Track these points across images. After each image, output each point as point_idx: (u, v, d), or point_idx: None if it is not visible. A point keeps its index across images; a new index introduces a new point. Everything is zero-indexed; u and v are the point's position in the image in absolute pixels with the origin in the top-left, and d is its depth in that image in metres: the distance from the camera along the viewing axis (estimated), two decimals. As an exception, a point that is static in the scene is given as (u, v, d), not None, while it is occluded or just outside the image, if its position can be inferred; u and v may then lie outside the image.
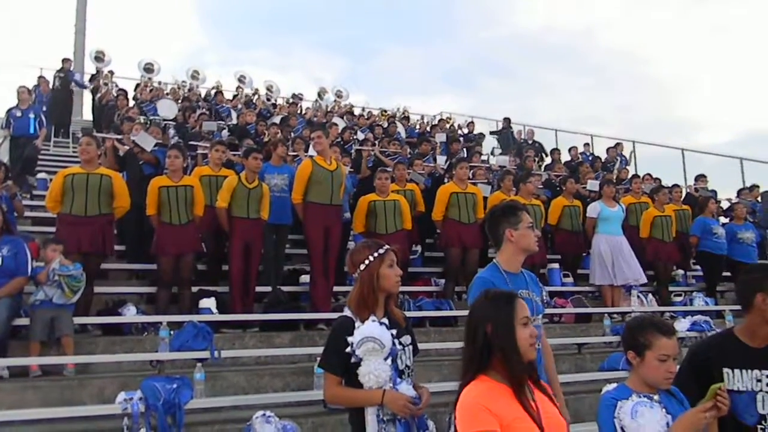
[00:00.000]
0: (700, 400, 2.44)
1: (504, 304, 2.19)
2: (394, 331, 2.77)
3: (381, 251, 2.86)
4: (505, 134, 17.19)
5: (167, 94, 14.77)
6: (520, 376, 2.11)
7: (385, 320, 2.79)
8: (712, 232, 8.99)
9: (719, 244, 8.97)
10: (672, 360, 2.46)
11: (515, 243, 3.10)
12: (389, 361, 2.72)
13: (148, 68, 15.45)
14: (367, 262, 2.85)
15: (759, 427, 2.60)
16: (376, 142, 12.04)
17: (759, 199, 11.38)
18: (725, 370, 2.68)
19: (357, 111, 18.12)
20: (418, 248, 8.87)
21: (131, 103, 12.74)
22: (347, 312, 2.86)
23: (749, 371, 2.66)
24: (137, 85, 15.03)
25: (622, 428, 2.39)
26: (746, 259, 8.76)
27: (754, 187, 12.17)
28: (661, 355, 2.46)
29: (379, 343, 2.68)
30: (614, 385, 2.61)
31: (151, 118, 11.25)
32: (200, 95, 15.76)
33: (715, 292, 9.09)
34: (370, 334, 2.70)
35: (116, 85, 14.55)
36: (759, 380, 2.64)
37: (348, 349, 2.72)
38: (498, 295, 2.26)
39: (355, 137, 12.44)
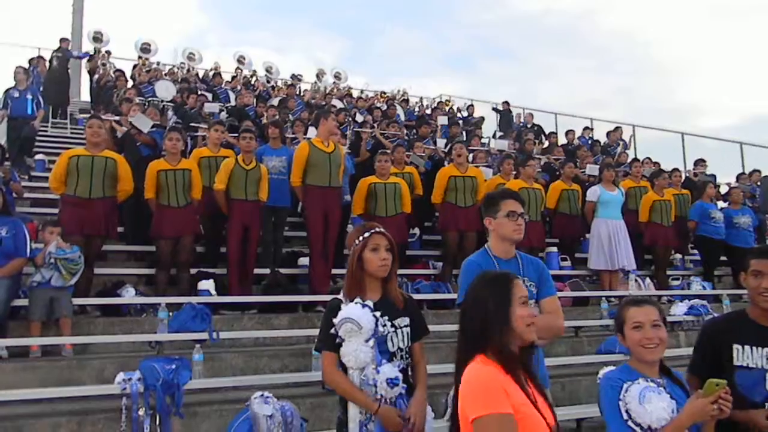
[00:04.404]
0: (710, 377, 2.41)
1: (502, 283, 2.17)
2: (379, 314, 2.80)
3: (366, 235, 2.89)
4: (505, 118, 17.13)
5: (165, 75, 14.69)
6: (512, 357, 2.07)
7: (369, 303, 2.82)
8: (710, 217, 9.00)
9: (717, 228, 8.99)
10: (650, 327, 2.46)
11: (495, 231, 3.15)
12: (371, 342, 2.75)
13: (145, 48, 15.32)
14: (354, 245, 2.91)
15: (767, 405, 2.61)
16: (375, 124, 12.00)
17: (759, 183, 11.38)
18: (735, 345, 2.71)
19: (355, 93, 18.04)
20: (416, 231, 8.87)
21: (130, 83, 12.68)
22: (341, 294, 2.91)
23: (760, 349, 2.68)
24: (134, 66, 14.95)
25: (627, 411, 2.38)
26: (742, 244, 8.78)
27: (754, 171, 12.18)
28: (633, 323, 2.49)
29: (356, 324, 2.73)
30: (611, 367, 2.62)
31: (149, 99, 11.20)
32: (198, 76, 15.67)
33: (713, 277, 9.12)
34: (349, 315, 2.76)
35: (113, 66, 14.46)
36: None
37: (332, 330, 2.79)
38: (497, 275, 2.26)
39: (351, 119, 12.39)
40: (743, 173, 12.21)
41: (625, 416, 2.37)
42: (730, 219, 9.19)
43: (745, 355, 2.69)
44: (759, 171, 12.07)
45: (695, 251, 9.81)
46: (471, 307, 2.17)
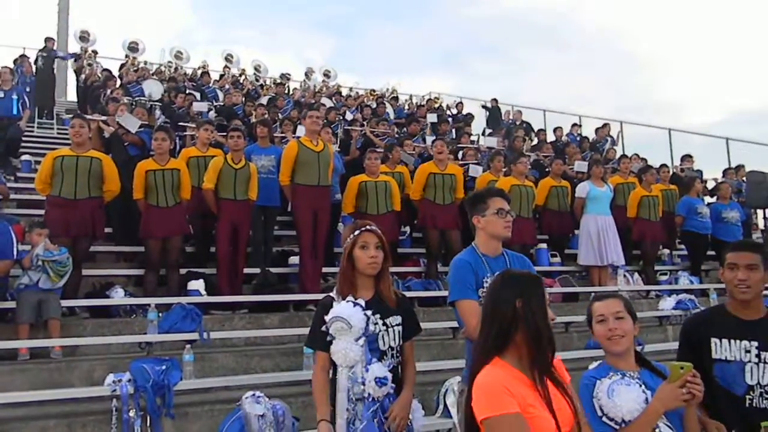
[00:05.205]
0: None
1: (533, 282, 2.17)
2: (370, 312, 2.82)
3: (356, 233, 2.91)
4: (494, 115, 17.15)
5: (153, 74, 14.61)
6: (545, 356, 2.08)
7: (361, 301, 2.83)
8: (696, 212, 9.06)
9: (703, 223, 9.06)
10: (614, 319, 2.50)
11: (483, 229, 3.15)
12: (361, 341, 2.78)
13: (133, 47, 15.22)
14: (346, 243, 2.94)
15: (747, 397, 2.64)
16: (365, 122, 11.99)
17: (744, 178, 11.47)
18: (713, 339, 2.74)
19: (345, 91, 18.01)
20: (407, 229, 8.88)
21: (118, 82, 12.60)
22: (333, 292, 2.93)
23: (738, 342, 2.70)
24: (122, 65, 14.85)
25: (600, 408, 2.39)
26: (730, 239, 8.83)
27: (740, 166, 12.29)
28: (598, 317, 2.55)
29: (346, 323, 2.76)
30: (596, 363, 2.65)
31: (137, 98, 11.13)
32: (186, 75, 15.59)
33: (700, 271, 9.20)
34: (339, 314, 2.79)
35: (100, 65, 14.36)
36: (748, 351, 2.68)
37: (323, 328, 2.82)
38: (524, 274, 2.26)
39: (341, 118, 12.38)
40: (729, 168, 12.31)
41: (599, 412, 2.39)
42: (719, 214, 9.26)
43: (723, 349, 2.71)
44: (743, 166, 12.18)
45: (682, 246, 9.88)
46: (502, 304, 2.12)
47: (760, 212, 11.60)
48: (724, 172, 12.17)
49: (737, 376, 2.65)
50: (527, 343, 2.07)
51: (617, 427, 2.36)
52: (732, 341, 2.71)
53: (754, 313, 2.74)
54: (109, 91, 11.19)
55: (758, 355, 2.66)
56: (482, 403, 2.01)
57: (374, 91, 18.29)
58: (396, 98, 17.66)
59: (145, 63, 15.79)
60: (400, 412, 2.81)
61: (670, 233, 9.52)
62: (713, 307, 3.17)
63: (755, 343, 2.67)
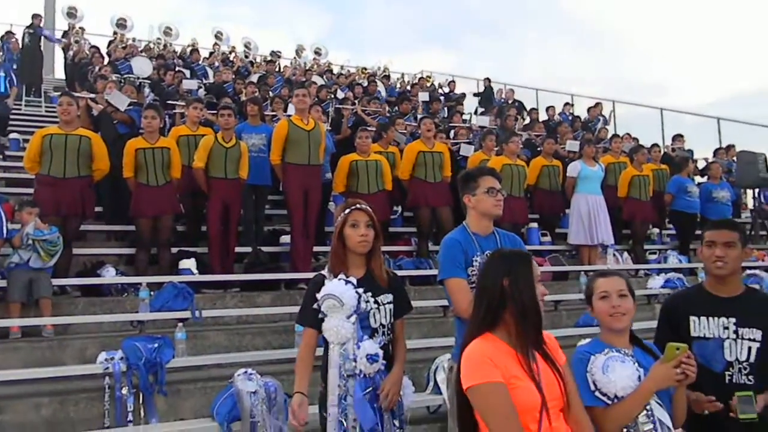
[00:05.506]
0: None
1: (520, 260, 2.26)
2: (362, 290, 2.84)
3: (346, 211, 2.93)
4: (486, 94, 17.11)
5: (142, 51, 14.45)
6: (532, 332, 2.17)
7: (353, 279, 2.85)
8: (686, 191, 9.10)
9: (691, 203, 9.10)
10: (617, 297, 2.50)
11: (474, 208, 3.16)
12: (353, 319, 2.80)
13: (121, 24, 15.05)
14: (337, 221, 2.96)
15: (726, 373, 2.68)
16: (356, 101, 11.93)
17: (735, 158, 11.54)
18: (691, 317, 2.77)
19: (336, 69, 17.88)
20: (399, 209, 8.89)
21: (106, 60, 12.47)
22: (325, 270, 2.94)
23: (716, 319, 2.74)
24: (110, 42, 14.68)
25: (594, 383, 2.41)
26: (721, 218, 8.90)
27: (730, 147, 12.35)
28: (600, 293, 2.53)
29: (338, 301, 2.78)
30: (588, 340, 2.67)
31: (126, 76, 11.02)
32: (175, 52, 15.43)
33: (689, 250, 9.24)
34: (331, 292, 2.81)
35: (88, 42, 14.19)
36: (726, 327, 2.72)
37: (315, 306, 2.84)
38: (513, 253, 2.34)
39: (333, 96, 12.30)
40: (720, 148, 12.37)
41: (592, 387, 2.41)
42: (709, 193, 9.32)
43: (701, 326, 2.75)
44: (734, 146, 12.24)
45: (672, 226, 9.94)
46: (491, 281, 2.22)
47: (749, 192, 11.75)
48: (715, 152, 12.23)
49: (716, 353, 2.68)
50: (515, 320, 2.17)
51: (609, 402, 2.39)
52: (710, 318, 2.75)
53: (731, 290, 2.78)
54: (97, 69, 11.07)
55: (736, 332, 2.70)
56: (467, 372, 2.13)
57: (366, 69, 18.18)
58: (388, 77, 17.56)
59: (134, 40, 15.61)
60: (392, 387, 2.84)
61: (660, 213, 9.57)
62: (692, 286, 3.21)
63: (733, 320, 2.71)
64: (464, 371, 2.14)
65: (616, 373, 2.40)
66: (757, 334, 2.68)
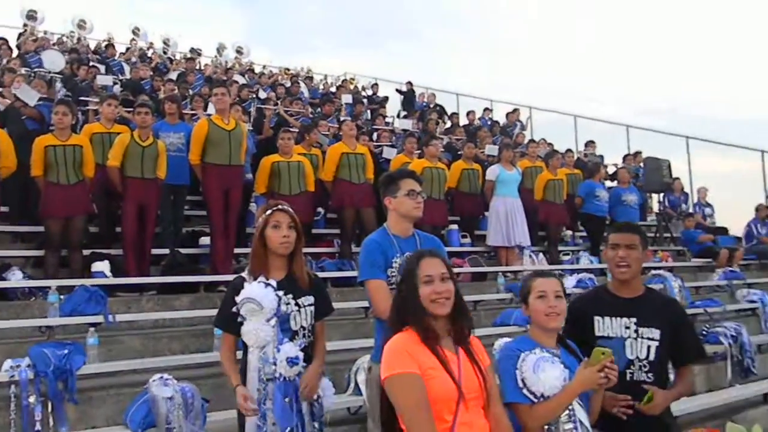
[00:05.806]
0: (579, 347, 2.66)
1: (413, 261, 2.39)
2: (282, 293, 2.84)
3: (268, 212, 2.92)
4: (408, 97, 17.33)
5: (54, 44, 13.81)
6: (425, 329, 2.27)
7: (273, 282, 2.85)
8: (594, 195, 9.52)
9: (600, 206, 9.54)
10: (554, 297, 2.59)
11: (395, 210, 3.21)
12: (272, 322, 2.80)
13: (31, 15, 14.34)
14: (258, 222, 2.95)
15: (628, 371, 2.82)
16: (279, 101, 11.83)
17: (642, 164, 12.19)
18: (596, 318, 2.92)
19: (258, 69, 17.66)
20: (321, 210, 8.88)
21: (15, 52, 11.85)
22: (245, 272, 2.91)
23: (618, 319, 2.90)
24: (20, 35, 13.95)
25: (523, 380, 2.49)
26: (625, 221, 9.37)
27: (638, 153, 13.05)
28: (537, 292, 2.61)
29: (257, 304, 2.77)
30: (507, 339, 2.76)
31: (36, 70, 10.51)
32: (89, 47, 14.83)
33: (599, 252, 9.69)
34: (250, 295, 2.80)
35: (-6, 34, 13.43)
36: (627, 327, 2.88)
37: (234, 309, 2.82)
38: (413, 254, 2.49)
39: (254, 96, 12.16)
40: (629, 155, 13.04)
41: (520, 384, 2.49)
42: (619, 197, 9.82)
43: (605, 326, 2.90)
44: (641, 152, 12.95)
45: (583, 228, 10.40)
46: (399, 282, 2.44)
47: (655, 196, 12.46)
48: (624, 157, 12.90)
49: (619, 352, 2.80)
50: (413, 319, 2.32)
51: (535, 400, 2.47)
52: (613, 318, 2.90)
53: (632, 291, 2.95)
54: (4, 61, 10.51)
55: (636, 331, 2.86)
56: (385, 364, 2.25)
57: (288, 69, 18.05)
58: (311, 78, 17.51)
59: (45, 33, 14.89)
60: (310, 381, 2.86)
61: (573, 215, 10.00)
62: (596, 287, 3.38)
63: (634, 320, 2.87)
64: (383, 364, 2.26)
65: (546, 373, 2.48)
66: (656, 333, 2.85)
